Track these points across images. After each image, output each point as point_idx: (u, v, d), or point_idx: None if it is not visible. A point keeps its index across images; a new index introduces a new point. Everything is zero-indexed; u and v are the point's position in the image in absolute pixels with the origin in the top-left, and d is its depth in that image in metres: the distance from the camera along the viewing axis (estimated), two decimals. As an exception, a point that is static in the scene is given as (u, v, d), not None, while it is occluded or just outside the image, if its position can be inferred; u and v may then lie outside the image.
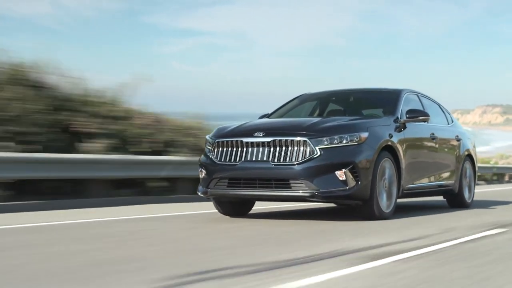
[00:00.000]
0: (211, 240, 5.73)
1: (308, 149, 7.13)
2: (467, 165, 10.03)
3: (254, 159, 7.31)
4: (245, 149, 7.39)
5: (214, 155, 7.59)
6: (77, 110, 11.26)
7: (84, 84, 11.93)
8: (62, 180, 10.51)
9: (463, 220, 7.78)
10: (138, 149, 11.72)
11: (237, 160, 7.40)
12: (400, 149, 7.89)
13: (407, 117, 8.28)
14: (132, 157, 11.29)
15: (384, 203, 7.54)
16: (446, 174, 9.30)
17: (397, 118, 8.21)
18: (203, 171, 7.72)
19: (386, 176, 7.59)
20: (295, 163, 7.11)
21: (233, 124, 7.99)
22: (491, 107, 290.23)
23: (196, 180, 8.42)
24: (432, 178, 8.92)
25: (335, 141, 7.20)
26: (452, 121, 10.24)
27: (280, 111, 9.30)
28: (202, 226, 6.96)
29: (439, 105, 10.10)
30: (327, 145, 7.16)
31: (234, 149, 7.45)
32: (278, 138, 7.24)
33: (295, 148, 7.17)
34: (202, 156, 7.90)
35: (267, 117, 9.11)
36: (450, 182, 9.43)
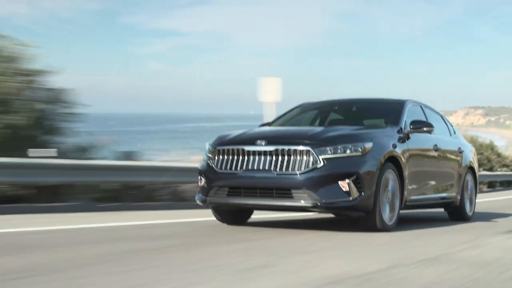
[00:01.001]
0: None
1: (311, 159, 6.99)
2: (469, 177, 9.92)
3: (255, 167, 7.17)
4: (246, 157, 7.25)
5: (214, 163, 7.46)
6: None
7: None
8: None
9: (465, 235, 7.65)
10: None
11: (238, 169, 7.26)
12: (404, 160, 7.77)
13: (411, 128, 8.16)
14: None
15: (386, 215, 7.40)
16: (448, 186, 9.19)
17: (401, 128, 8.09)
18: (203, 179, 7.58)
19: (389, 187, 7.45)
20: (297, 172, 6.97)
21: (234, 132, 7.86)
22: (473, 109, 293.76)
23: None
24: (435, 190, 8.80)
25: (339, 151, 7.07)
26: (455, 133, 10.13)
27: (281, 120, 9.17)
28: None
29: (441, 116, 10.00)
30: (331, 155, 7.02)
31: (235, 157, 7.32)
32: (281, 147, 7.10)
33: (298, 157, 7.03)
34: (202, 163, 7.75)
35: (268, 126, 8.97)
36: (452, 194, 9.31)
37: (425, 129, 8.22)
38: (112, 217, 9.13)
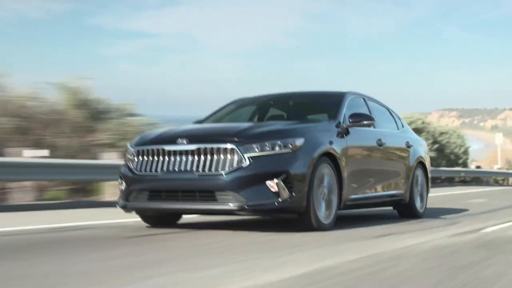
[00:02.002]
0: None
1: (236, 158, 6.38)
2: (419, 172, 9.35)
3: (177, 169, 6.55)
4: (167, 158, 6.63)
5: (134, 165, 6.84)
6: None
7: None
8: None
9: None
10: None
11: (159, 171, 6.64)
12: (342, 157, 7.18)
13: (350, 122, 7.56)
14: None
15: (322, 213, 6.81)
16: (395, 183, 8.59)
17: (339, 122, 7.50)
18: (123, 182, 6.95)
19: (325, 183, 6.86)
20: (221, 173, 6.36)
21: (157, 130, 7.23)
22: (447, 111, 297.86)
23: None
24: (380, 188, 8.20)
25: (267, 148, 6.46)
26: (403, 126, 9.55)
27: (215, 117, 8.54)
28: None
29: (388, 109, 9.41)
30: (258, 152, 6.42)
31: (156, 158, 6.70)
32: (203, 146, 6.48)
33: (222, 156, 6.42)
34: (122, 166, 7.11)
35: (199, 124, 8.34)
36: (400, 191, 8.73)
37: (365, 122, 7.62)
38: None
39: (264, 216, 7.14)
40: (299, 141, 6.59)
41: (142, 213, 7.20)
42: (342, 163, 7.15)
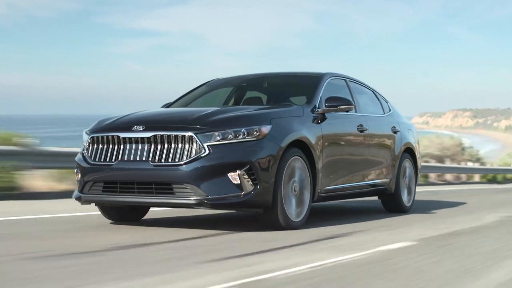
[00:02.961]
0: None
1: (194, 147, 5.82)
2: (407, 163, 8.68)
3: (132, 158, 6.00)
4: (122, 146, 6.08)
5: (88, 154, 6.29)
6: None
7: None
8: None
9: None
10: None
11: (113, 160, 6.09)
12: (316, 145, 6.60)
13: (326, 106, 6.96)
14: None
15: (292, 210, 6.24)
16: (377, 172, 7.97)
17: (315, 107, 6.90)
18: (78, 172, 6.40)
19: (296, 178, 6.29)
20: (179, 163, 5.80)
21: (115, 116, 6.64)
22: (461, 111, 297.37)
23: None
24: (360, 177, 7.58)
25: (229, 136, 5.88)
26: (390, 110, 8.87)
27: (184, 100, 7.95)
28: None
29: (373, 91, 8.76)
30: (219, 141, 5.84)
31: (110, 146, 6.15)
32: (160, 133, 5.91)
33: (180, 145, 5.85)
34: (78, 154, 6.55)
35: (167, 107, 7.76)
36: (383, 180, 8.11)
37: (342, 107, 6.99)
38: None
39: (227, 210, 6.57)
40: (265, 128, 6.02)
41: (101, 206, 6.68)
42: (316, 152, 6.58)
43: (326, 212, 8.50)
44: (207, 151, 5.79)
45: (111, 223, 6.72)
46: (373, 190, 8.02)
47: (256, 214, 6.19)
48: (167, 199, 5.90)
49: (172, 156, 5.83)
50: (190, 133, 5.83)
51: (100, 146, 6.20)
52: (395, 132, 8.48)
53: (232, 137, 5.88)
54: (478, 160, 32.37)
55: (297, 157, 6.29)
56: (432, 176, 23.68)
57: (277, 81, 8.07)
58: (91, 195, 6.26)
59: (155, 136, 5.92)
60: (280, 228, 6.11)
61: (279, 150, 6.03)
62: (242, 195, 5.81)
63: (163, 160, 5.85)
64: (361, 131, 7.60)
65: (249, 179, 5.82)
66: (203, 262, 4.32)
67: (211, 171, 5.78)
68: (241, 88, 8.10)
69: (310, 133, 6.55)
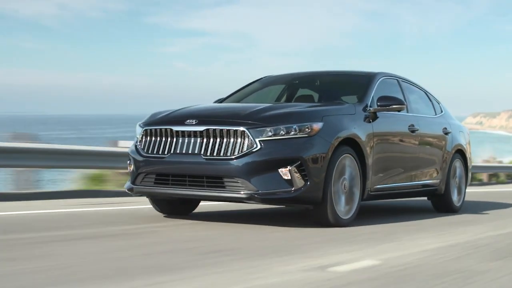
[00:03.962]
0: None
1: (246, 141, 5.87)
2: (457, 163, 8.63)
3: (184, 151, 6.08)
4: (174, 139, 6.16)
5: (141, 146, 6.39)
6: None
7: None
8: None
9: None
10: None
11: (166, 153, 6.18)
12: (367, 144, 6.59)
13: (378, 105, 6.96)
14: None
15: (341, 207, 6.25)
16: (428, 172, 7.93)
17: (367, 106, 6.90)
18: (131, 163, 6.51)
19: (346, 175, 6.30)
20: (230, 157, 5.86)
21: (169, 109, 6.74)
22: None
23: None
24: (410, 177, 7.55)
25: (281, 132, 5.92)
26: (442, 111, 8.82)
27: (237, 95, 8.01)
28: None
29: (426, 92, 8.72)
30: (271, 136, 5.88)
31: (163, 139, 6.24)
32: (212, 127, 5.98)
33: (232, 139, 5.91)
34: (131, 146, 6.68)
35: (220, 102, 7.85)
36: (434, 181, 8.06)
37: (394, 106, 6.99)
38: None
39: (276, 205, 6.62)
40: (317, 125, 6.04)
41: (152, 198, 6.79)
42: (367, 150, 6.58)
43: (364, 211, 8.48)
44: (259, 146, 5.84)
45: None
46: (424, 190, 7.99)
47: (305, 210, 6.23)
48: (218, 193, 5.96)
49: (224, 150, 5.90)
50: (242, 128, 5.89)
51: (153, 138, 6.30)
52: (446, 134, 8.42)
53: (283, 133, 5.92)
54: None
55: (347, 155, 6.30)
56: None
57: (329, 79, 8.09)
58: (143, 187, 6.36)
59: (207, 130, 5.99)
60: (329, 225, 6.13)
61: (330, 147, 6.04)
62: (292, 190, 5.84)
63: (215, 154, 5.92)
64: (412, 131, 7.57)
65: (299, 175, 5.85)
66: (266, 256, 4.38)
67: (262, 166, 5.83)
68: (293, 86, 8.14)
69: (361, 131, 6.55)
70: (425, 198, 8.55)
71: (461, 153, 8.77)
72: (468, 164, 9.01)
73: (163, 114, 6.55)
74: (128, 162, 6.60)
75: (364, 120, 6.72)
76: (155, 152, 6.25)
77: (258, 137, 5.86)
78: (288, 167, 5.83)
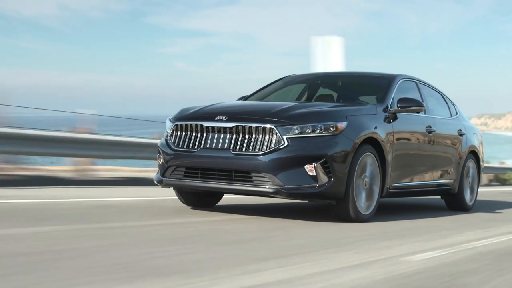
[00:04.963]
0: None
1: (274, 138, 6.16)
2: (470, 163, 8.96)
3: (214, 146, 6.37)
4: (204, 134, 6.46)
5: (171, 140, 6.68)
6: None
7: None
8: None
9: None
10: None
11: (196, 147, 6.47)
12: (387, 143, 6.89)
13: (398, 107, 7.25)
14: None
15: (362, 203, 6.55)
16: (443, 172, 8.24)
17: (387, 107, 7.19)
18: (161, 157, 6.81)
19: (367, 173, 6.60)
20: (258, 153, 6.15)
21: (198, 106, 7.03)
22: None
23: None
24: (427, 176, 7.87)
25: (307, 130, 6.21)
26: (457, 113, 9.15)
27: (260, 94, 8.31)
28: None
29: (442, 94, 9.02)
30: (297, 134, 6.18)
31: (194, 134, 6.53)
32: (241, 124, 6.28)
33: (260, 136, 6.20)
34: (161, 139, 6.98)
35: (244, 100, 8.14)
36: (449, 180, 8.38)
37: (414, 108, 7.28)
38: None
39: (301, 199, 6.91)
40: (342, 124, 6.34)
41: (179, 190, 7.08)
42: (387, 148, 6.87)
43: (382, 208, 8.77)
44: (286, 143, 6.13)
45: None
46: (439, 189, 8.30)
47: (328, 205, 6.52)
48: (246, 187, 6.25)
49: (253, 146, 6.19)
50: (270, 125, 6.18)
51: (184, 133, 6.59)
52: (461, 135, 8.73)
53: (309, 131, 6.21)
54: None
55: (369, 153, 6.60)
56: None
57: (349, 80, 8.39)
58: (172, 179, 6.65)
59: (237, 126, 6.28)
60: (350, 220, 6.43)
61: (353, 145, 6.34)
62: (317, 186, 6.14)
63: (243, 150, 6.21)
64: (430, 132, 7.87)
65: (324, 172, 6.15)
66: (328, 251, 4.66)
67: (289, 162, 6.12)
68: (314, 85, 8.43)
69: (382, 131, 6.83)
70: (439, 197, 8.84)
71: (474, 154, 9.09)
72: (481, 164, 9.32)
73: (193, 110, 6.84)
74: (158, 155, 6.89)
75: (385, 121, 7.00)
76: (185, 146, 6.53)
77: (285, 135, 6.15)
78: (314, 163, 6.12)
